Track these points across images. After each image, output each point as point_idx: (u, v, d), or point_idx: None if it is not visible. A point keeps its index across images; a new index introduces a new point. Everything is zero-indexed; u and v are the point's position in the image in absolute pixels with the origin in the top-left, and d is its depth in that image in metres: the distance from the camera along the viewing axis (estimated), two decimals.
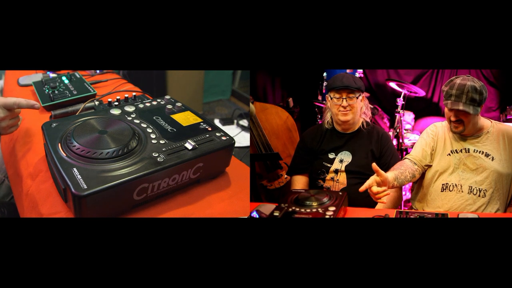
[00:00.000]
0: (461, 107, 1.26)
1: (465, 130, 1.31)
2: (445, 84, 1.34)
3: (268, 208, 1.19)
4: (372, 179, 1.19)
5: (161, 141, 0.97)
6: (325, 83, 2.43)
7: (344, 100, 1.44)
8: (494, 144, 1.32)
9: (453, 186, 1.32)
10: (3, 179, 1.48)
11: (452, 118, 1.31)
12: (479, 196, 1.28)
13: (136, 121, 1.06)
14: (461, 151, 1.34)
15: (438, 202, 1.33)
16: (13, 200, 1.38)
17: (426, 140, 1.40)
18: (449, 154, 1.35)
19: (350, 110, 1.45)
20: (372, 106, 2.48)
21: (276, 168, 1.90)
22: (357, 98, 1.46)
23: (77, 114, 1.21)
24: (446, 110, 1.33)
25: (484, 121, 1.37)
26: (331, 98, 1.47)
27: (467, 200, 1.29)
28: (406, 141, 2.45)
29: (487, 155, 1.31)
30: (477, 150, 1.32)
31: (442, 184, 1.33)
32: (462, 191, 1.30)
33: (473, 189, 1.29)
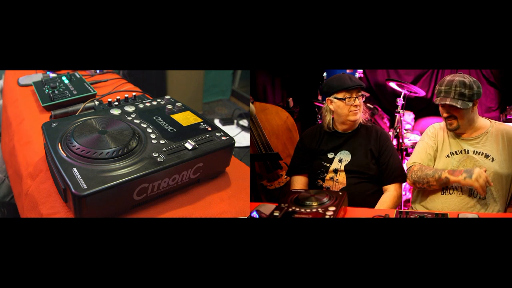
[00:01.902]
0: (447, 102, 1.28)
1: (460, 127, 1.32)
2: (438, 84, 1.36)
3: (268, 208, 1.19)
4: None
5: (161, 141, 0.97)
6: (324, 85, 2.42)
7: (357, 99, 1.45)
8: (493, 144, 1.31)
9: (453, 189, 1.31)
10: (3, 178, 1.48)
11: (444, 114, 1.33)
12: (479, 198, 1.28)
13: (136, 121, 1.06)
14: (460, 152, 1.34)
15: (438, 205, 1.33)
16: (13, 200, 1.38)
17: (428, 143, 1.40)
18: (448, 156, 1.35)
19: (359, 109, 1.46)
20: (372, 106, 2.49)
21: (276, 168, 1.90)
22: (362, 96, 1.47)
23: (77, 114, 1.21)
24: (440, 108, 1.35)
25: (483, 121, 1.36)
26: (343, 99, 1.45)
27: (468, 202, 1.29)
28: (406, 141, 2.45)
29: (486, 156, 1.30)
30: (476, 152, 1.32)
31: (442, 187, 1.33)
32: (463, 194, 1.30)
33: (474, 191, 1.28)
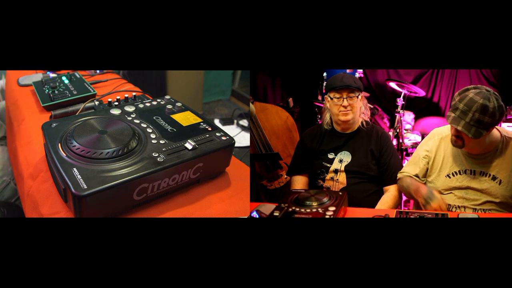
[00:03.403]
0: (460, 127, 1.12)
1: (464, 146, 1.19)
2: (459, 91, 1.18)
3: (268, 208, 1.19)
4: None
5: (161, 141, 0.97)
6: (325, 83, 2.43)
7: (345, 100, 1.44)
8: (503, 164, 1.19)
9: (456, 207, 1.25)
10: (8, 181, 1.48)
11: (452, 132, 1.19)
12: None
13: (136, 121, 1.06)
14: (464, 172, 1.23)
15: None
16: (17, 202, 1.38)
17: (421, 155, 1.33)
18: (449, 176, 1.25)
19: (351, 110, 1.45)
20: (372, 106, 2.49)
21: (276, 168, 1.90)
22: (357, 97, 1.46)
23: (77, 114, 1.21)
24: None
25: (493, 137, 1.20)
26: (332, 99, 1.47)
27: None
28: (406, 141, 2.45)
29: (494, 178, 1.20)
30: (483, 173, 1.21)
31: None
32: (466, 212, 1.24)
33: (478, 210, 1.21)
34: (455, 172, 1.25)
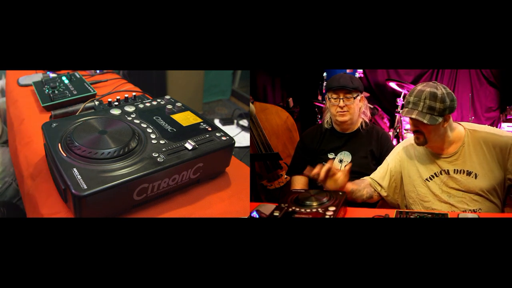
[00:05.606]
0: (414, 116, 1.16)
1: (427, 142, 1.20)
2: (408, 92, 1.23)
3: (268, 208, 1.19)
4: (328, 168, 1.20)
5: (161, 141, 0.97)
6: (325, 83, 2.43)
7: (341, 101, 1.44)
8: (473, 157, 1.19)
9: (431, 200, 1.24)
10: (11, 182, 1.48)
11: (411, 128, 1.21)
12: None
13: (136, 121, 1.06)
14: (440, 173, 1.23)
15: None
16: (19, 202, 1.38)
17: (389, 165, 1.33)
18: (428, 180, 1.25)
19: (348, 111, 1.45)
20: (372, 106, 2.49)
21: (276, 168, 1.90)
22: (354, 98, 1.46)
23: (77, 114, 1.21)
24: (409, 120, 1.23)
25: (457, 132, 1.22)
26: (329, 99, 1.47)
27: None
28: None
29: (468, 173, 1.19)
30: (457, 170, 1.20)
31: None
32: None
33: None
34: (432, 176, 1.24)
